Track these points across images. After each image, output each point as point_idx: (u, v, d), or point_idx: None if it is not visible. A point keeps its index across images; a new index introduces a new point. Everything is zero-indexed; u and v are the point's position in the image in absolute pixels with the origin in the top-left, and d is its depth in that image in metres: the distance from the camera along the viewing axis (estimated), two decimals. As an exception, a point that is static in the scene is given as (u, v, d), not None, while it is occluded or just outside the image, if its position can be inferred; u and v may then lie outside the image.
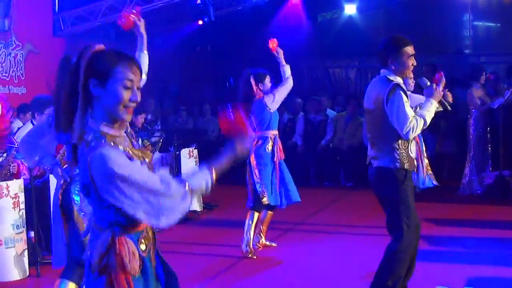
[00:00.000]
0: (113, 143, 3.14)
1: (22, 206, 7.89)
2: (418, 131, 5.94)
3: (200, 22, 14.24)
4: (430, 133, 11.63)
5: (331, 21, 21.24)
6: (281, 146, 8.75)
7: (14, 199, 7.79)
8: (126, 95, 3.17)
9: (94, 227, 3.33)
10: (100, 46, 3.22)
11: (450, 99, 6.35)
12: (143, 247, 3.34)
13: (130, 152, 3.21)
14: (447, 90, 6.34)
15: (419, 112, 5.98)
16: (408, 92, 6.20)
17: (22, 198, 7.88)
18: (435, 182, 8.78)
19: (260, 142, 8.52)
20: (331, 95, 18.26)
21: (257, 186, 8.43)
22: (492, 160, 12.66)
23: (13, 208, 7.75)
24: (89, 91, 3.17)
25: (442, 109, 6.37)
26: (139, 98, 3.24)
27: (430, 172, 8.74)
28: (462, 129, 13.16)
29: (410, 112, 5.91)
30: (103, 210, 3.23)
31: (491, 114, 12.42)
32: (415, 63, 6.13)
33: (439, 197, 11.56)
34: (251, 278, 7.77)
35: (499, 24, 22.58)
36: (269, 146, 8.49)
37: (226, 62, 16.93)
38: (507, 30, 22.14)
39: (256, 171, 8.49)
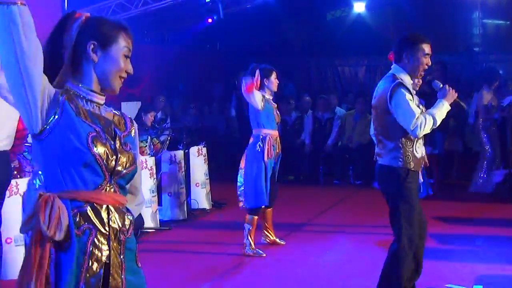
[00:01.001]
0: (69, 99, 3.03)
1: None
2: (427, 129, 5.90)
3: (210, 20, 14.25)
4: (439, 131, 11.59)
5: (340, 19, 21.23)
6: (270, 146, 8.50)
7: (23, 197, 7.81)
8: (124, 64, 3.16)
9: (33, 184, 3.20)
10: (87, 14, 3.18)
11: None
12: (77, 221, 2.97)
13: (84, 111, 3.07)
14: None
15: (429, 111, 5.95)
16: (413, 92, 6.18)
17: None
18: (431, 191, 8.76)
19: (252, 140, 8.48)
20: (339, 93, 18.28)
21: (239, 188, 8.44)
22: (502, 158, 12.65)
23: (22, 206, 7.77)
24: (85, 52, 3.11)
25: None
26: (132, 70, 3.20)
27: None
28: (471, 127, 13.20)
29: (416, 109, 5.89)
30: (41, 156, 3.07)
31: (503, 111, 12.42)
32: (429, 63, 6.10)
33: (448, 196, 11.56)
34: (259, 277, 7.78)
35: (508, 22, 22.51)
36: (260, 145, 8.42)
37: (235, 60, 16.92)
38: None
39: (243, 171, 8.51)
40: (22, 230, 3.01)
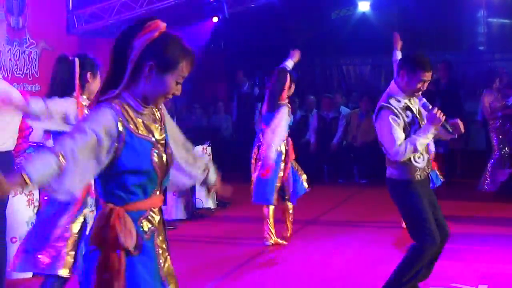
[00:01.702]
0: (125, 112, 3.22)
1: (36, 203, 7.92)
2: (408, 155, 5.89)
3: (215, 19, 14.23)
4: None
5: (344, 18, 21.21)
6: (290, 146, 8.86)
7: (28, 197, 7.83)
8: (175, 89, 3.29)
9: (99, 202, 3.39)
10: (163, 25, 3.28)
11: (449, 128, 6.25)
12: (145, 227, 3.34)
13: (141, 130, 3.27)
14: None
15: (413, 137, 5.92)
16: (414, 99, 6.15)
17: (36, 195, 7.91)
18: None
19: None
20: (344, 92, 18.27)
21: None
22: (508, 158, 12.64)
23: (27, 205, 7.79)
24: (143, 69, 3.22)
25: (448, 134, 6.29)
26: (179, 92, 3.35)
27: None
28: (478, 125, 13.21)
29: (398, 135, 5.90)
30: (103, 181, 3.32)
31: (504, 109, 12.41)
32: (424, 89, 6.07)
33: (452, 195, 11.54)
34: (265, 275, 7.78)
35: (513, 21, 22.53)
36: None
37: (239, 59, 16.94)
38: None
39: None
40: (92, 242, 3.28)
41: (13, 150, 7.00)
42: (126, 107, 3.22)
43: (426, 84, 6.03)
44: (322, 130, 15.18)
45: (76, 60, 5.47)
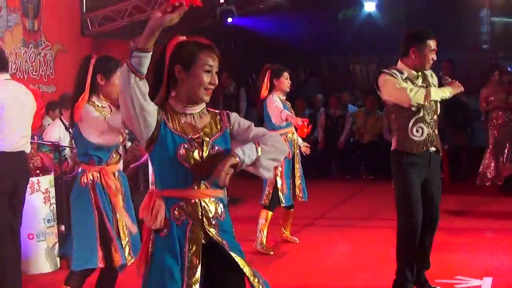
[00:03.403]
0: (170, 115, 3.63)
1: (53, 200, 7.97)
2: (421, 97, 5.91)
3: (230, 19, 14.23)
4: (447, 127, 11.59)
5: (351, 18, 21.22)
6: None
7: (45, 194, 7.86)
8: (206, 78, 3.61)
9: None
10: (182, 37, 3.69)
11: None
12: (178, 215, 3.59)
13: (178, 124, 3.62)
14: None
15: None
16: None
17: (52, 193, 7.95)
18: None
19: None
20: (351, 91, 18.26)
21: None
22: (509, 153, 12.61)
23: (44, 202, 7.82)
24: (174, 75, 3.62)
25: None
26: (217, 81, 3.68)
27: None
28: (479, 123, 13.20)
29: (404, 84, 5.98)
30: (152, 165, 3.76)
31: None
32: (435, 58, 6.12)
33: (456, 189, 11.54)
34: (274, 270, 7.78)
35: (516, 20, 22.48)
36: None
37: (249, 59, 16.93)
38: (525, 25, 22.06)
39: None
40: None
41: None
42: (171, 111, 3.64)
43: (434, 54, 6.10)
44: (330, 127, 15.19)
45: (92, 60, 5.47)
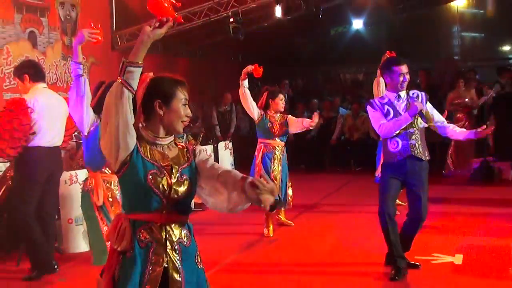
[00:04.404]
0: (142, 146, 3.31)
1: None
2: (388, 131, 6.06)
3: (241, 37, 14.19)
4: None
5: (341, 34, 21.25)
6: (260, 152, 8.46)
7: (81, 185, 7.87)
8: (184, 111, 3.34)
9: None
10: (151, 74, 3.37)
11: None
12: (142, 237, 3.27)
13: (150, 152, 3.32)
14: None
15: (392, 120, 6.10)
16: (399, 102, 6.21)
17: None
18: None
19: None
20: (342, 96, 18.24)
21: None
22: (477, 148, 12.61)
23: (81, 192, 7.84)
24: (151, 109, 3.32)
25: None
26: (190, 113, 3.41)
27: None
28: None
29: (378, 118, 6.11)
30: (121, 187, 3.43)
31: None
32: (407, 80, 6.12)
33: (432, 180, 11.49)
34: (274, 248, 7.80)
35: (483, 34, 22.48)
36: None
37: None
38: (490, 39, 22.04)
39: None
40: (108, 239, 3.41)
41: (60, 146, 7.20)
42: (142, 139, 3.31)
43: (407, 76, 6.10)
44: (323, 128, 15.16)
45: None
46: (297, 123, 8.51)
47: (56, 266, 6.94)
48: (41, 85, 6.94)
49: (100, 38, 5.28)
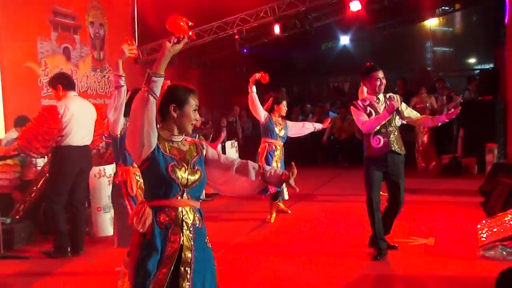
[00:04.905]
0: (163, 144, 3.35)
1: None
2: (370, 126, 6.02)
3: (245, 51, 14.16)
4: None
5: (331, 48, 21.23)
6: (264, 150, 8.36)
7: (108, 178, 7.89)
8: (194, 115, 3.39)
9: None
10: (168, 82, 3.38)
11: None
12: (162, 220, 3.32)
13: (168, 148, 3.36)
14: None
15: (373, 116, 6.09)
16: (381, 106, 6.18)
17: None
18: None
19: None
20: (331, 102, 18.23)
21: None
22: (449, 146, 12.61)
23: (108, 184, 7.84)
24: (167, 111, 3.36)
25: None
26: (198, 117, 3.45)
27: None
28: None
29: (362, 115, 6.08)
30: (144, 179, 3.46)
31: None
32: (383, 83, 6.11)
33: (408, 174, 11.49)
34: (275, 231, 7.78)
35: (452, 49, 22.52)
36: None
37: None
38: (458, 52, 22.08)
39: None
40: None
41: (90, 145, 7.24)
42: (161, 136, 3.34)
43: (383, 80, 6.10)
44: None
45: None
46: (295, 127, 8.52)
47: (68, 251, 6.97)
48: (72, 93, 6.98)
49: (136, 52, 5.21)
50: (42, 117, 6.81)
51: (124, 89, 5.14)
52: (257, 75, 8.03)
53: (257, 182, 3.58)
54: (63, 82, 6.93)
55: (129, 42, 5.13)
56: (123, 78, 5.08)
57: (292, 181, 3.58)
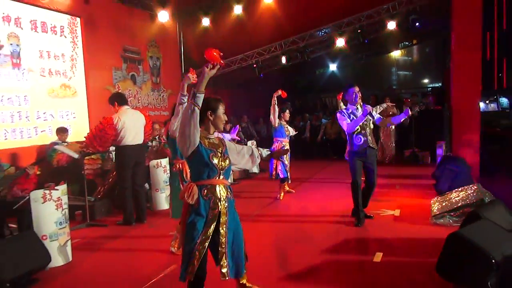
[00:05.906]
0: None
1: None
2: (352, 128, 5.94)
3: (261, 75, 14.07)
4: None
5: (323, 73, 21.13)
6: (280, 147, 8.17)
7: (164, 168, 7.78)
8: (224, 117, 3.53)
9: None
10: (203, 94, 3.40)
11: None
12: (205, 194, 3.41)
13: (207, 143, 3.45)
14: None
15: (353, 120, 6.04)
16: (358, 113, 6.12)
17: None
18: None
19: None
20: (324, 112, 18.14)
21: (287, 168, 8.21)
22: (409, 142, 12.46)
23: (164, 172, 7.74)
24: (205, 116, 3.48)
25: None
26: (226, 118, 3.58)
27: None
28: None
29: (345, 119, 6.01)
30: (190, 166, 3.51)
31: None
32: (357, 96, 6.05)
33: (379, 164, 11.39)
34: (279, 208, 7.72)
35: (411, 72, 22.30)
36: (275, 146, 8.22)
37: (270, 96, 16.91)
38: (415, 75, 21.88)
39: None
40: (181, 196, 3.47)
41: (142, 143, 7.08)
42: (202, 135, 3.45)
43: (358, 94, 6.04)
44: (313, 131, 15.07)
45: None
46: (293, 131, 8.54)
47: (133, 221, 6.92)
48: (125, 107, 6.86)
49: (196, 78, 5.05)
50: (100, 125, 6.82)
51: (185, 105, 5.06)
52: (279, 92, 7.98)
53: (252, 159, 3.74)
54: (118, 100, 6.86)
55: (192, 71, 5.07)
56: (186, 97, 4.98)
57: (275, 156, 3.88)
